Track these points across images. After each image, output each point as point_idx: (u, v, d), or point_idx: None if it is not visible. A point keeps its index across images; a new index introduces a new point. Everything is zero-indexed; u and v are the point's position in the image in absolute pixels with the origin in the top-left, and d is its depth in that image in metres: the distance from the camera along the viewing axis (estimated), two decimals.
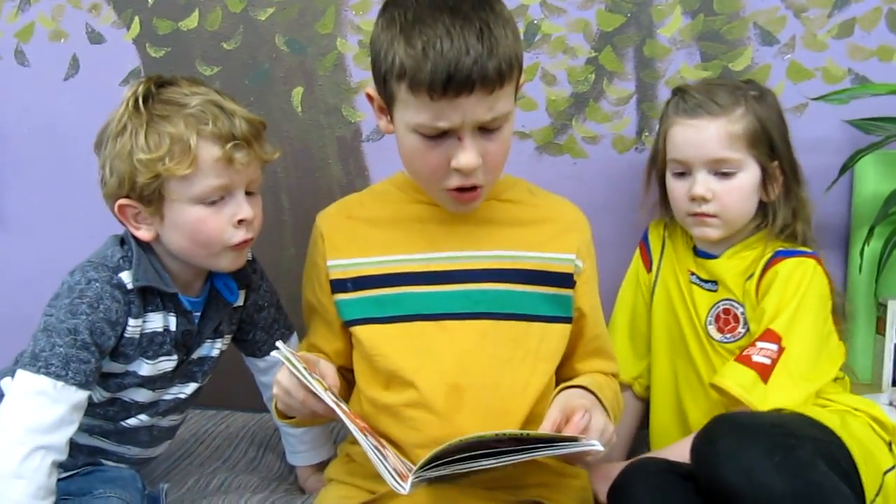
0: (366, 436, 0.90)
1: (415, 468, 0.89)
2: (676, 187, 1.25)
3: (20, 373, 1.02)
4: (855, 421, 1.14)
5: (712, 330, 1.26)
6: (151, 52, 1.57)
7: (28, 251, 1.68)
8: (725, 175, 1.20)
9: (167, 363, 1.13)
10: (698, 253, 1.31)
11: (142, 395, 1.14)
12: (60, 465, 1.13)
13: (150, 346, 1.11)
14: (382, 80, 1.01)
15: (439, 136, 0.99)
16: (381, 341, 1.09)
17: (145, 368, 1.11)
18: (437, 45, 0.93)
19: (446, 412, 1.06)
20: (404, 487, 0.86)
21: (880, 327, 1.38)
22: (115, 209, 1.08)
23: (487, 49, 0.94)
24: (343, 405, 0.94)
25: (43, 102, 1.62)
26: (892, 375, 1.37)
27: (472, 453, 0.89)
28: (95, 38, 1.59)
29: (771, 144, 1.21)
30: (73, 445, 1.13)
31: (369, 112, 1.52)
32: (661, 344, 1.33)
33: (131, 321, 1.08)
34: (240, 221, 1.09)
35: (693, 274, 1.29)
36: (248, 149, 1.08)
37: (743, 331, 1.23)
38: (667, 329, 1.33)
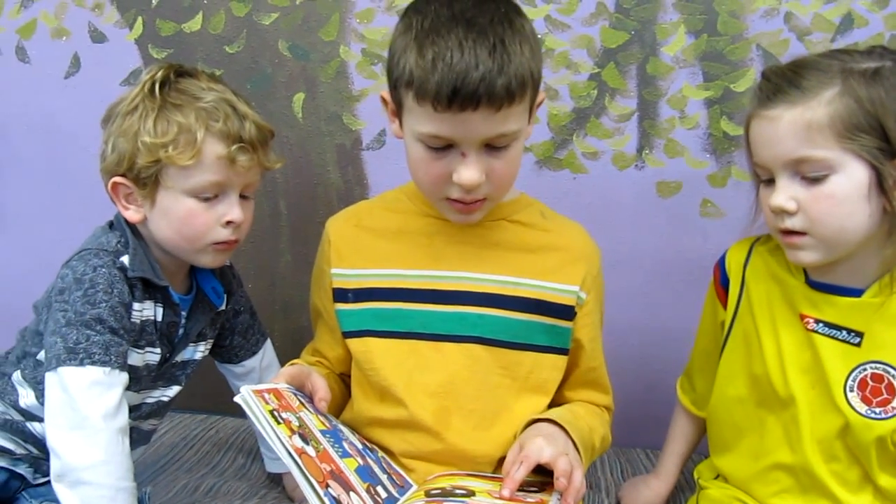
0: (326, 487, 0.86)
1: None
2: (762, 195, 1.00)
3: (64, 371, 1.00)
4: None
5: (854, 399, 0.97)
6: (154, 52, 1.57)
7: (25, 249, 1.67)
8: (814, 181, 0.93)
9: (152, 356, 1.13)
10: (818, 286, 1.01)
11: (126, 397, 1.12)
12: (38, 472, 1.15)
13: (142, 335, 1.10)
14: (394, 85, 1.01)
15: (444, 148, 0.98)
16: (374, 356, 1.09)
17: (133, 358, 1.10)
18: (446, 58, 0.92)
19: (436, 430, 1.06)
20: None
21: None
22: (109, 185, 1.09)
23: (498, 65, 0.92)
24: (310, 448, 0.90)
25: (43, 100, 1.61)
26: None
27: None
28: (98, 37, 1.58)
29: (884, 134, 0.91)
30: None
31: (370, 120, 1.53)
32: (739, 392, 1.09)
33: (136, 305, 1.09)
34: (228, 222, 1.09)
35: (817, 321, 1.00)
36: (252, 153, 1.08)
37: None
38: (752, 380, 1.07)
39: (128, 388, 1.10)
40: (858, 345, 0.97)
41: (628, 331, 1.46)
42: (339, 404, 1.15)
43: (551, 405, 1.11)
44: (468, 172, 0.97)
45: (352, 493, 0.89)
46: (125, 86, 1.57)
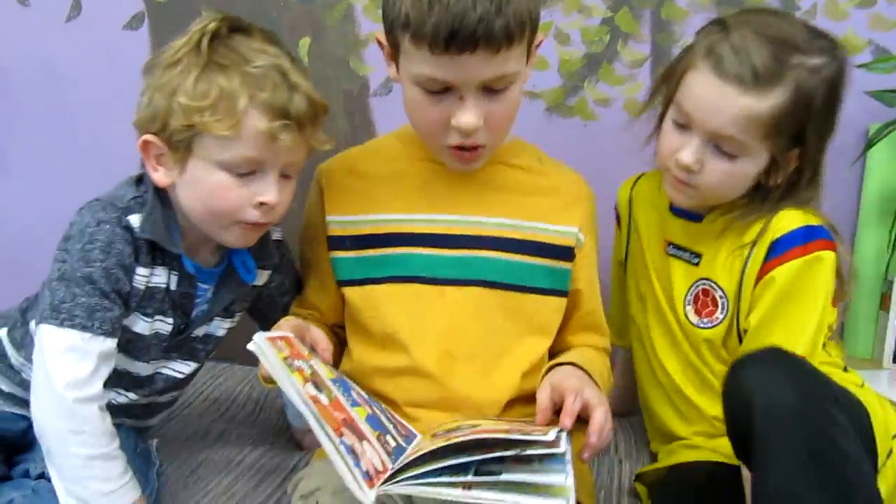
0: (341, 435, 0.86)
1: (383, 478, 0.85)
2: (669, 136, 1.07)
3: (44, 328, 0.97)
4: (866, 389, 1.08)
5: (690, 312, 1.12)
6: None
7: (29, 196, 1.66)
8: (724, 154, 1.03)
9: (163, 325, 1.07)
10: (676, 211, 1.14)
11: (137, 368, 1.09)
12: None
13: (151, 302, 1.04)
14: (390, 27, 0.99)
15: (441, 91, 0.97)
16: (378, 302, 1.08)
17: (140, 325, 1.05)
18: None
19: (439, 377, 1.06)
20: (368, 497, 0.82)
21: (885, 304, 1.36)
22: (140, 142, 1.00)
23: (496, 6, 0.90)
24: (323, 397, 0.90)
25: (44, 44, 1.58)
26: (893, 352, 1.36)
27: (443, 464, 0.85)
28: None
29: (799, 134, 1.02)
30: None
31: (377, 65, 1.50)
32: (639, 314, 1.21)
33: (140, 269, 1.02)
34: (261, 203, 1.00)
35: (671, 244, 1.14)
36: (297, 131, 0.98)
37: (721, 316, 1.09)
38: (639, 298, 1.20)
39: (136, 359, 1.07)
40: (697, 265, 1.11)
41: None
42: (334, 357, 1.14)
43: (551, 348, 1.12)
44: (466, 116, 0.97)
45: (364, 442, 0.89)
46: (127, 30, 1.55)
